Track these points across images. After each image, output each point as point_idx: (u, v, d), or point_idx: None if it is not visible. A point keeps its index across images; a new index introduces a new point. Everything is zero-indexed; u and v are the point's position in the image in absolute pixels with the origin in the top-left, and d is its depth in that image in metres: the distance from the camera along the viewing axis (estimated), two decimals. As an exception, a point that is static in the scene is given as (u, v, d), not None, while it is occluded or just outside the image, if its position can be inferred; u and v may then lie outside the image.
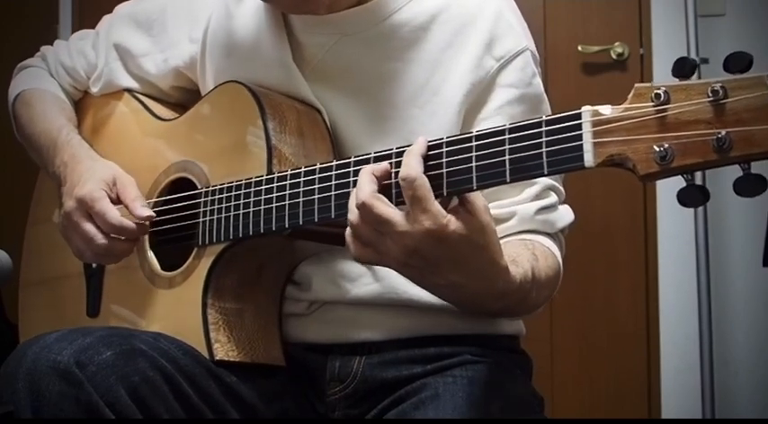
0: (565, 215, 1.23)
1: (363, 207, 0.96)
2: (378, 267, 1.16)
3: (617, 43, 2.82)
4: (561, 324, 2.80)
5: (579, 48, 2.83)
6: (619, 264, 2.80)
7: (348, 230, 0.99)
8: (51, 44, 1.51)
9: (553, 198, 1.21)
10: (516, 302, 1.07)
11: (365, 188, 0.96)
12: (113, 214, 1.19)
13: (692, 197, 0.86)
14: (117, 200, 1.22)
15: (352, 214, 0.97)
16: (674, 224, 2.73)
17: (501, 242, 1.14)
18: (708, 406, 2.56)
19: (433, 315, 1.19)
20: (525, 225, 1.18)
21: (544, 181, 1.19)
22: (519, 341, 1.30)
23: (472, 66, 1.18)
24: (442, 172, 0.98)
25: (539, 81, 1.23)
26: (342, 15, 1.19)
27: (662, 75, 2.73)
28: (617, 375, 2.79)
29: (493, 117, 1.18)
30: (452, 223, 0.94)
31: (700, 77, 0.86)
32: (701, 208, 2.54)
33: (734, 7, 2.78)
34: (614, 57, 2.82)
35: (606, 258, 2.80)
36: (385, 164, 0.99)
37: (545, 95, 1.24)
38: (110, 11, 1.46)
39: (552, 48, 2.79)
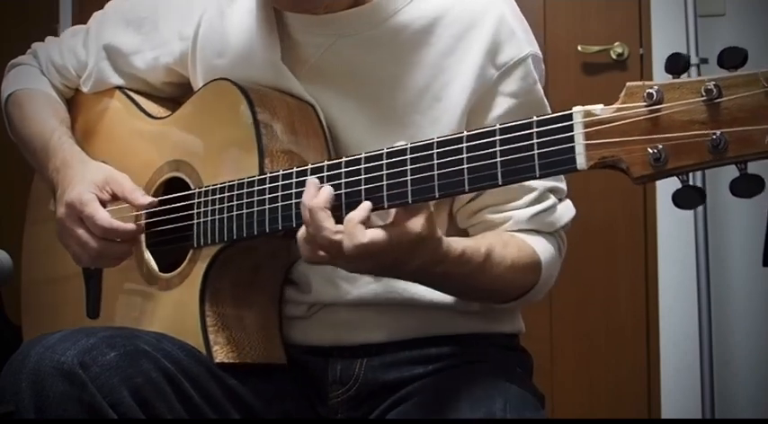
0: (564, 213, 1.23)
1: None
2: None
3: (617, 43, 2.82)
4: (561, 324, 2.80)
5: (579, 48, 2.83)
6: (619, 264, 2.80)
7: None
8: (51, 44, 1.50)
9: (551, 200, 1.21)
10: (463, 275, 1.07)
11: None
12: (102, 216, 1.18)
13: (688, 198, 0.84)
14: (113, 198, 1.21)
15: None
16: (674, 224, 2.73)
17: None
18: (708, 406, 2.56)
19: (433, 315, 1.19)
20: (521, 226, 1.19)
21: (543, 185, 1.20)
22: (518, 338, 1.31)
23: (475, 75, 1.16)
24: (433, 174, 0.96)
25: (539, 88, 1.21)
26: (340, 16, 1.18)
27: (662, 76, 2.69)
28: (617, 375, 2.79)
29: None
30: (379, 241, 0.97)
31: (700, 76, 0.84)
32: (700, 208, 2.54)
33: (734, 7, 2.78)
34: (614, 57, 2.82)
35: (606, 258, 2.80)
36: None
37: (546, 101, 1.23)
38: (109, 10, 1.46)
39: (552, 48, 2.79)
